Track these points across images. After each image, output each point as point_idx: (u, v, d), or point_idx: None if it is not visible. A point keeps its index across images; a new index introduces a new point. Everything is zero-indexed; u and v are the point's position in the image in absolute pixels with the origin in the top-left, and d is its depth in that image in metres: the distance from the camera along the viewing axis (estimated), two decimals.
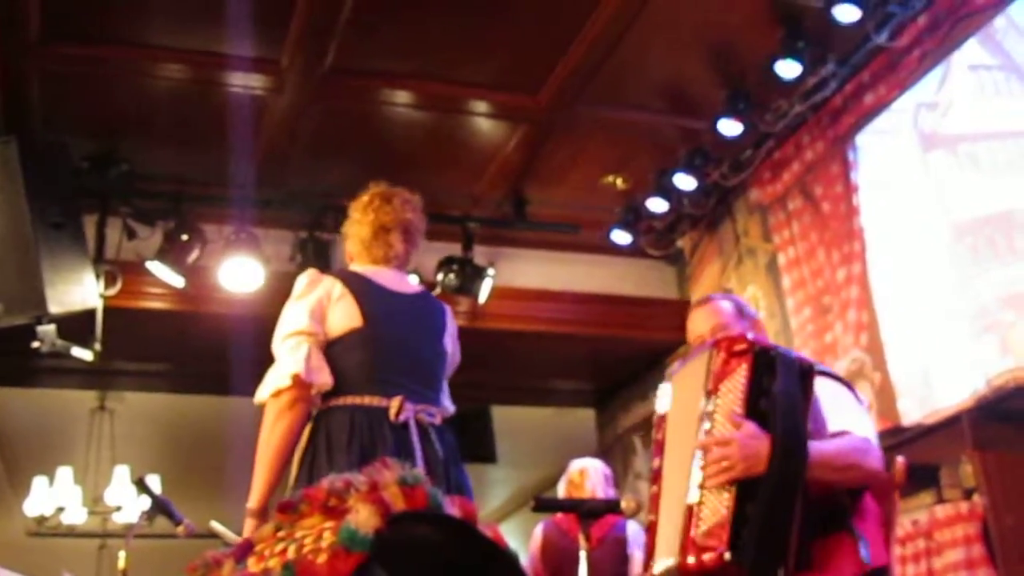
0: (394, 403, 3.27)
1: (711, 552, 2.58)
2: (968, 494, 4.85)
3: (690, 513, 2.67)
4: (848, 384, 3.16)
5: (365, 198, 3.61)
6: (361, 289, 3.46)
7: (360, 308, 3.40)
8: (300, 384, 3.25)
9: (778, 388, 2.72)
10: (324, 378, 3.29)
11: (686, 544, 2.65)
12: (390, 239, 3.57)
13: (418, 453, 3.23)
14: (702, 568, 2.60)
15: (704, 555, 2.60)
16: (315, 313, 3.36)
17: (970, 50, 5.30)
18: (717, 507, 2.64)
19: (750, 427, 2.68)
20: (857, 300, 5.92)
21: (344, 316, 3.39)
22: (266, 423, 3.27)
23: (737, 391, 2.75)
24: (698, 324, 3.29)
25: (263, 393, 3.29)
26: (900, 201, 5.75)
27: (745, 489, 2.63)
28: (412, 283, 3.78)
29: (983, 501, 4.55)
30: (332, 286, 3.43)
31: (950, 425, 4.93)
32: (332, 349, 3.35)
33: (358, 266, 3.59)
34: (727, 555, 2.56)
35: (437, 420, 3.39)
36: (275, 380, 3.28)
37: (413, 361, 3.44)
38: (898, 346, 5.63)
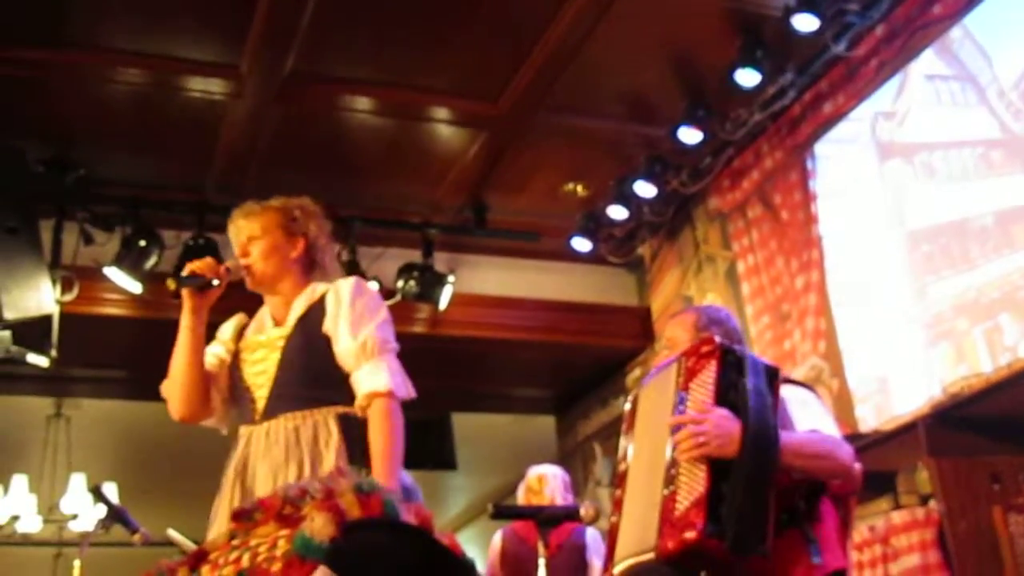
0: None
1: (691, 529, 2.57)
2: (924, 500, 4.89)
3: (664, 504, 2.68)
4: (812, 389, 3.19)
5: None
6: None
7: None
8: None
9: (747, 383, 2.77)
10: None
11: (664, 529, 2.64)
12: None
13: None
14: (683, 546, 2.58)
15: (685, 533, 2.58)
16: None
17: (927, 60, 5.36)
18: (692, 487, 2.65)
19: (723, 410, 2.72)
20: (815, 307, 5.96)
21: None
22: (394, 418, 3.05)
23: (707, 385, 2.80)
24: (675, 330, 3.30)
25: (399, 389, 3.09)
26: (857, 209, 5.80)
27: (718, 470, 2.66)
28: None
29: (939, 507, 4.59)
30: None
31: (906, 432, 4.96)
32: None
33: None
34: (709, 528, 2.55)
35: None
36: (406, 389, 3.13)
37: None
38: (855, 353, 5.67)
